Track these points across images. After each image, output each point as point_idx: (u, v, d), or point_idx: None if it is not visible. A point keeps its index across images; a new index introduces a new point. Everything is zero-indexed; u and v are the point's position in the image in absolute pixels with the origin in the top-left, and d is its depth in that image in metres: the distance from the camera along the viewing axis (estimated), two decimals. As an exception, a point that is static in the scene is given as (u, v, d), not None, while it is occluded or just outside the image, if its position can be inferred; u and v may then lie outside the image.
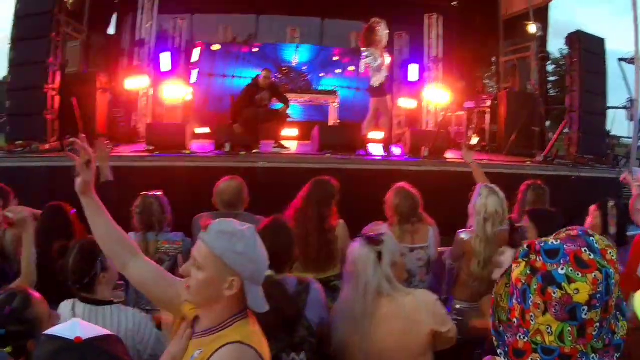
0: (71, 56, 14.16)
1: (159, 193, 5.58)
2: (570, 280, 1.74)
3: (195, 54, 17.30)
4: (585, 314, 1.72)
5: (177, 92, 15.18)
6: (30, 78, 11.40)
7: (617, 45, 17.62)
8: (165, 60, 15.44)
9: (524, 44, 16.82)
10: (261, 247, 2.72)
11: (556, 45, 16.66)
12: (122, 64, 16.27)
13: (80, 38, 15.12)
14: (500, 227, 5.35)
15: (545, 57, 16.54)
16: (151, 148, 10.89)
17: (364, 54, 12.32)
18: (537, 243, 1.85)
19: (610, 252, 1.78)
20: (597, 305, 1.73)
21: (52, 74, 11.52)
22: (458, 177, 9.95)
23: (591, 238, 1.80)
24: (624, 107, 16.26)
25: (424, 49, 17.51)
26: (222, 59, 18.59)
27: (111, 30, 18.04)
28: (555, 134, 14.06)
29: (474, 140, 16.35)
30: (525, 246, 1.89)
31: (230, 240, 2.58)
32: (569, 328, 1.75)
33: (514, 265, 1.90)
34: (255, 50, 18.68)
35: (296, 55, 18.63)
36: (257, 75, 12.62)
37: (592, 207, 5.99)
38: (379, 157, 11.63)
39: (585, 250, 1.75)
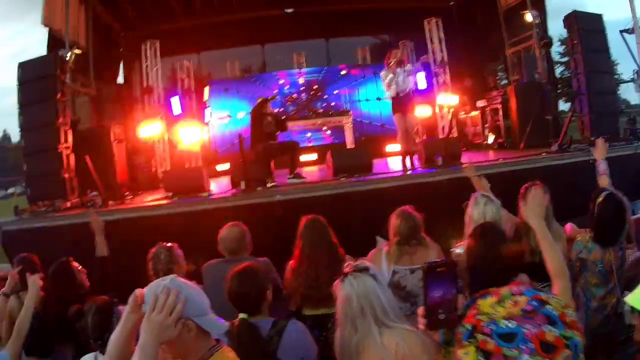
0: (82, 112, 14.37)
1: (171, 244, 5.64)
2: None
3: (206, 93, 17.44)
4: None
5: (192, 134, 15.30)
6: (43, 140, 11.63)
7: (617, 14, 17.40)
8: (175, 104, 15.61)
9: (526, 33, 16.71)
10: (187, 286, 2.85)
11: (561, 25, 16.57)
12: (136, 112, 16.41)
13: (90, 92, 15.32)
14: None
15: (548, 42, 16.31)
16: (169, 194, 10.99)
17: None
18: (483, 324, 1.75)
19: (568, 313, 1.72)
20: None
21: (63, 133, 11.73)
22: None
23: (547, 307, 1.73)
24: (631, 80, 16.10)
25: (429, 55, 17.50)
26: (231, 96, 18.80)
27: (120, 79, 18.25)
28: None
29: (490, 138, 16.33)
30: (466, 325, 1.79)
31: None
32: None
33: (458, 352, 1.78)
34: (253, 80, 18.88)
35: (301, 77, 18.75)
36: (265, 99, 12.50)
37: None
38: (394, 174, 11.59)
39: (547, 329, 1.67)
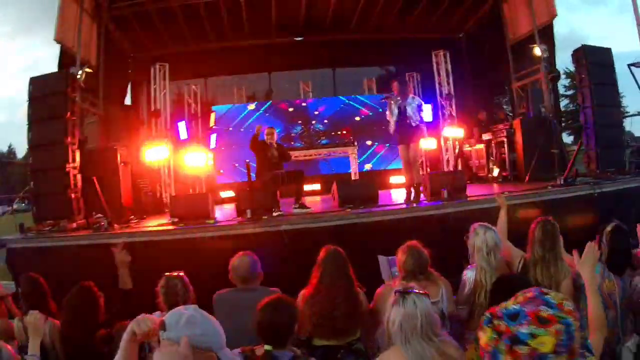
0: (90, 131, 14.41)
1: (181, 273, 5.65)
2: (534, 337, 1.99)
3: (212, 119, 17.51)
4: None
5: (197, 159, 15.37)
6: (50, 158, 11.63)
7: (625, 47, 17.51)
8: (182, 128, 15.69)
9: (534, 66, 16.79)
10: (210, 319, 2.93)
11: (565, 58, 16.76)
12: (142, 135, 16.46)
13: (98, 112, 15.36)
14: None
15: (555, 77, 16.44)
16: (175, 220, 10.99)
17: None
18: (497, 310, 2.11)
19: (566, 304, 2.04)
20: (563, 351, 1.98)
21: (71, 152, 11.76)
22: (480, 214, 10.01)
23: (546, 296, 2.07)
24: (639, 114, 16.18)
25: (436, 87, 17.58)
26: (237, 122, 18.92)
27: (127, 100, 18.31)
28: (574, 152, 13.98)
29: (495, 171, 16.39)
30: (487, 314, 2.14)
31: (187, 327, 2.78)
32: None
33: (480, 333, 2.13)
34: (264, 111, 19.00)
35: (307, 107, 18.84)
36: (259, 135, 12.58)
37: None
38: (400, 206, 11.60)
39: (543, 309, 2.01)
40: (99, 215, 11.23)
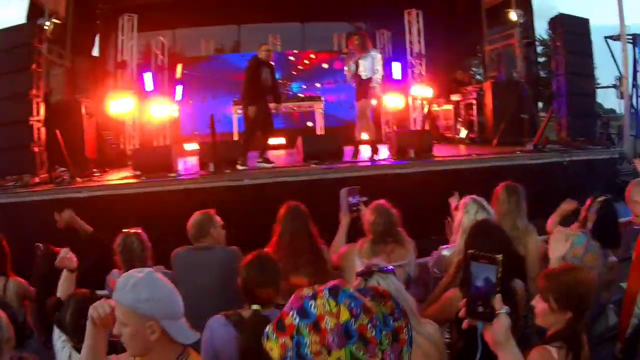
0: (56, 83, 14.19)
1: (138, 230, 5.58)
2: (267, 339, 1.84)
3: (179, 70, 17.37)
4: None
5: (163, 111, 15.28)
6: (14, 112, 11.45)
7: (602, 19, 17.61)
8: (148, 80, 15.55)
9: (508, 31, 16.68)
10: (163, 285, 2.87)
11: (542, 26, 16.76)
12: (108, 86, 16.26)
13: (64, 64, 15.13)
14: None
15: (530, 42, 16.45)
16: (137, 173, 10.95)
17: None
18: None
19: (327, 320, 1.72)
20: None
21: (36, 105, 11.58)
22: (446, 175, 10.07)
23: (311, 302, 1.77)
24: (613, 86, 16.26)
25: (406, 46, 17.52)
26: (203, 73, 18.78)
27: (95, 52, 18.06)
28: (545, 119, 14.03)
29: (463, 132, 16.40)
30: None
31: (133, 291, 2.74)
32: None
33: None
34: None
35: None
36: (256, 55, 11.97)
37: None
38: (365, 163, 11.62)
39: (292, 315, 1.77)
40: (62, 169, 11.14)
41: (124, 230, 5.54)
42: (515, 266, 4.47)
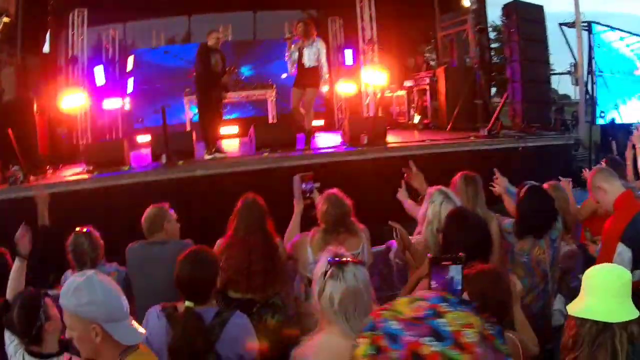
0: (7, 82, 14.09)
1: (88, 229, 5.56)
2: None
3: (130, 63, 17.30)
4: None
5: (114, 104, 15.26)
6: (-35, 113, 11.28)
7: (557, 7, 17.82)
8: (99, 73, 15.49)
9: (461, 17, 16.93)
10: (103, 288, 2.90)
11: (495, 13, 17.07)
12: (60, 82, 16.15)
13: (15, 62, 14.95)
14: None
15: (483, 29, 16.62)
16: (90, 168, 10.93)
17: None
18: (379, 319, 1.62)
19: (467, 333, 1.50)
20: None
21: (-14, 105, 11.43)
22: (399, 162, 10.21)
23: (439, 320, 1.52)
24: (568, 72, 16.50)
25: (359, 32, 17.59)
26: (154, 65, 18.73)
27: (46, 48, 17.90)
28: (499, 104, 14.21)
29: (416, 118, 16.54)
30: (372, 319, 1.65)
31: (74, 295, 2.81)
32: None
33: (360, 340, 1.63)
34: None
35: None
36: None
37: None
38: (319, 151, 11.69)
39: (426, 342, 1.48)
40: (15, 167, 11.07)
41: (77, 229, 5.55)
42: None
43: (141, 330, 2.99)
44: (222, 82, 12.01)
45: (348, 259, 3.29)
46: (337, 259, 3.27)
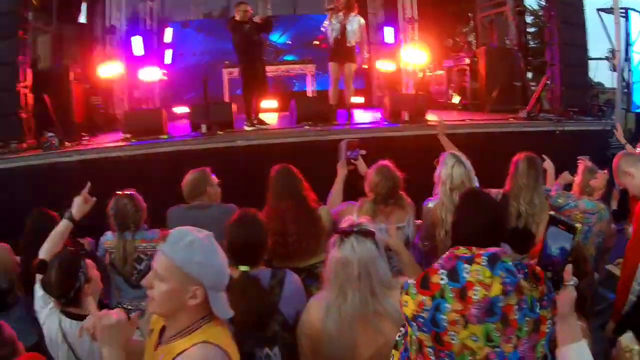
0: (43, 50, 14.05)
1: (131, 192, 5.44)
2: (406, 292, 1.86)
3: (168, 34, 17.17)
4: (404, 333, 1.83)
5: (152, 75, 15.12)
6: (1, 78, 11.24)
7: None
8: (137, 44, 15.38)
9: (499, -1, 16.67)
10: (220, 253, 2.70)
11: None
12: (96, 52, 16.07)
13: (51, 31, 14.87)
14: None
15: (522, 11, 16.44)
16: (128, 136, 10.82)
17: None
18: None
19: (477, 289, 1.75)
20: (423, 328, 1.80)
21: (22, 72, 11.38)
22: (439, 141, 9.98)
23: (465, 265, 1.78)
24: (606, 58, 16.23)
25: (398, 10, 17.35)
26: (194, 37, 18.58)
27: (82, 18, 17.83)
28: (537, 87, 13.99)
29: (455, 98, 16.36)
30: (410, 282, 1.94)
31: (188, 249, 2.57)
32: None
33: (404, 297, 1.95)
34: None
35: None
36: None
37: (580, 166, 6.10)
38: (359, 126, 11.56)
39: (440, 272, 1.78)
40: (51, 134, 10.99)
41: (117, 192, 5.43)
42: (517, 243, 4.54)
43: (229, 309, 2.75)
44: (267, 28, 11.98)
45: (356, 229, 3.41)
46: (344, 229, 3.44)
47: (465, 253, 1.83)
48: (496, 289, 1.74)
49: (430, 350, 1.91)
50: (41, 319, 3.90)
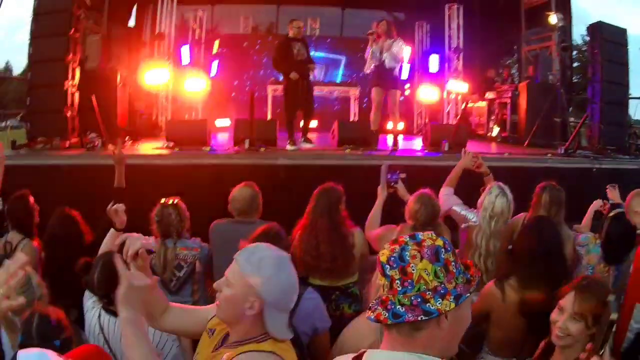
0: (91, 50, 14.14)
1: (176, 200, 5.52)
2: (383, 249, 2.06)
3: (216, 46, 17.26)
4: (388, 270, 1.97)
5: (197, 85, 15.18)
6: (50, 75, 11.43)
7: (636, 30, 17.51)
8: (185, 53, 15.47)
9: (546, 33, 16.60)
10: (290, 276, 2.72)
11: (578, 32, 16.77)
12: (143, 57, 16.21)
13: (101, 32, 15.03)
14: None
15: (567, 47, 16.33)
16: (171, 144, 10.87)
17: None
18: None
19: (427, 241, 1.96)
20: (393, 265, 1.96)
21: (71, 70, 11.58)
22: (478, 173, 9.94)
23: (419, 234, 2.02)
24: (646, 97, 16.17)
25: (445, 39, 17.37)
26: (241, 51, 18.66)
27: (132, 22, 18.03)
28: (577, 123, 13.94)
29: (495, 130, 16.31)
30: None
31: (259, 263, 2.62)
32: None
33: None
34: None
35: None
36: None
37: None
38: (400, 153, 11.55)
39: (405, 238, 2.01)
40: (93, 134, 11.07)
41: (163, 200, 5.51)
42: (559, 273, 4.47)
43: (291, 331, 2.79)
44: (309, 68, 11.87)
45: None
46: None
47: (419, 232, 2.09)
48: (439, 242, 2.01)
49: None
50: (85, 308, 4.16)
